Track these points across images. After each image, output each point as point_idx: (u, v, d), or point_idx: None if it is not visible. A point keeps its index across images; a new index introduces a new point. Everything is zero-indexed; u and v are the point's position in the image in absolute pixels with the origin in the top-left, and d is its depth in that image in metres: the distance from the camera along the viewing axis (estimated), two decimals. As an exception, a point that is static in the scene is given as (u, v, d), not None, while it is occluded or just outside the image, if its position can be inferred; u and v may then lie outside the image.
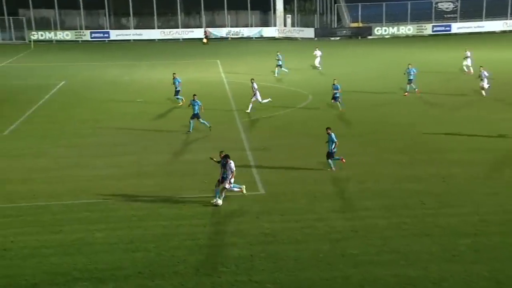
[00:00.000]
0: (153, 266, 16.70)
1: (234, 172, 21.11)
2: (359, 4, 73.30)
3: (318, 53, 49.88)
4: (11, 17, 73.74)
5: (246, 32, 75.69)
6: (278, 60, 46.73)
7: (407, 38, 72.64)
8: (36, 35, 72.24)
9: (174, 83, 36.41)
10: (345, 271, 16.37)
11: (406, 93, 37.92)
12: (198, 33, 74.72)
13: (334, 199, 21.49)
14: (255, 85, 34.20)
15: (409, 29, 73.56)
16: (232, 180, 21.09)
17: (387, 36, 73.48)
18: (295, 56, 58.87)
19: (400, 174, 23.85)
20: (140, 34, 74.32)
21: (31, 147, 28.14)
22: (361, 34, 73.54)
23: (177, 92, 36.26)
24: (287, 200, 21.44)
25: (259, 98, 34.09)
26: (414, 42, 68.15)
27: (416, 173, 23.95)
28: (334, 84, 34.08)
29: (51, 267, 16.58)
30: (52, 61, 58.17)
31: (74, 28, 74.54)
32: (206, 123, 30.11)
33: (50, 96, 40.15)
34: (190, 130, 30.10)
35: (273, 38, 74.68)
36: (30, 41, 70.44)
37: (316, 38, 73.21)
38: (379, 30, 73.59)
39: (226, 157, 21.17)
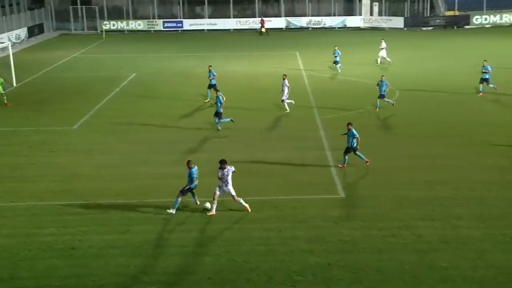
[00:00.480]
0: (224, 272, 16.86)
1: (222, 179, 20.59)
2: (456, -10, 71.31)
3: (384, 45, 48.86)
4: (83, 6, 76.36)
5: (328, 21, 75.19)
6: (335, 56, 45.58)
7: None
8: (108, 25, 74.42)
9: (209, 76, 36.42)
10: (433, 286, 16.01)
11: (481, 93, 36.63)
12: (276, 22, 74.85)
13: (422, 205, 21.02)
14: (286, 82, 33.70)
15: (513, 18, 70.98)
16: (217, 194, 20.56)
17: (487, 26, 71.11)
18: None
19: (498, 180, 23.07)
20: (214, 24, 75.19)
21: (99, 142, 29.01)
22: (458, 23, 71.44)
23: (210, 86, 36.27)
24: (369, 205, 21.18)
25: (285, 96, 33.67)
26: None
27: (516, 179, 23.13)
28: (381, 81, 33.30)
29: (118, 269, 17.05)
30: (123, 52, 59.80)
31: (147, 18, 76.30)
32: (226, 120, 30.46)
33: (120, 89, 41.27)
34: (219, 127, 30.54)
35: (358, 28, 73.84)
36: (101, 31, 72.67)
37: (405, 28, 71.87)
38: (479, 19, 71.26)
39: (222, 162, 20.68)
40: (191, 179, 20.63)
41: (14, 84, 42.40)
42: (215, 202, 20.50)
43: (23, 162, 25.99)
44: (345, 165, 24.77)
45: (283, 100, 33.65)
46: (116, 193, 22.49)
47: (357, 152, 24.58)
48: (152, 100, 37.31)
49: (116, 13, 76.91)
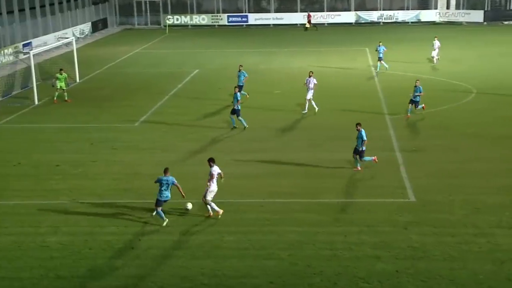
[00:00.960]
0: (286, 276, 16.92)
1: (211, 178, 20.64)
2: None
3: (437, 43, 47.16)
4: (147, 1, 77.79)
5: (401, 16, 74.23)
6: (378, 52, 44.46)
7: None
8: (171, 20, 75.56)
9: (238, 76, 36.17)
10: (510, 298, 15.65)
11: None
12: (345, 17, 74.44)
13: (499, 211, 20.57)
14: (315, 80, 33.20)
15: None
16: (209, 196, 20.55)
17: None
18: (457, 44, 56.92)
19: None
20: (281, 18, 75.32)
21: (161, 140, 29.52)
22: (544, 16, 69.35)
23: (240, 88, 36.08)
24: (441, 210, 20.88)
25: (310, 95, 33.20)
26: None
27: None
28: (416, 86, 31.90)
29: (178, 270, 17.34)
30: (186, 47, 60.62)
31: (211, 12, 77.12)
32: (243, 121, 30.48)
33: (182, 85, 41.88)
34: (234, 125, 30.76)
35: (433, 23, 72.60)
36: (165, 26, 73.86)
37: (485, 23, 70.22)
38: None
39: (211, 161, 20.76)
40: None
41: (77, 80, 43.62)
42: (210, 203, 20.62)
43: (85, 159, 26.71)
44: (359, 167, 24.59)
45: (309, 99, 33.28)
46: (177, 192, 22.78)
47: (354, 155, 24.62)
48: (215, 97, 37.70)
49: (180, 7, 78.03)
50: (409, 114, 31.97)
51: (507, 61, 47.62)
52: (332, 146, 27.97)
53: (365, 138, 24.30)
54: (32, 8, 60.88)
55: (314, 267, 17.31)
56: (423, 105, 32.20)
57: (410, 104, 32.02)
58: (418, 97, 31.83)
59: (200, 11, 77.89)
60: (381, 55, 44.20)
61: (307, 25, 70.39)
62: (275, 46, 59.48)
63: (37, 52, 44.43)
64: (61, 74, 37.13)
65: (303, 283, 16.58)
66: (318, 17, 74.56)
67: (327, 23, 74.44)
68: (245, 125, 30.49)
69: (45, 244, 18.93)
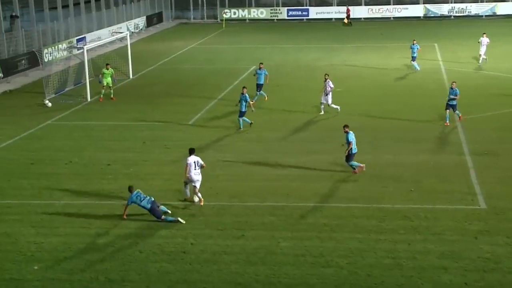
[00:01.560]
0: (345, 285, 16.82)
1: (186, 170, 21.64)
2: None
3: (484, 40, 45.14)
4: (205, -6, 78.55)
5: (474, 8, 72.85)
6: (412, 51, 43.35)
7: None
8: (228, 13, 76.03)
9: (255, 73, 35.87)
10: None
11: None
12: (413, 10, 73.51)
13: None
14: (331, 84, 32.47)
15: None
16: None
17: None
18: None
19: None
20: (342, 12, 74.86)
21: (215, 139, 29.70)
22: None
23: (259, 87, 35.76)
24: (515, 219, 20.44)
25: (329, 100, 32.59)
26: None
27: None
28: (451, 88, 30.59)
29: (231, 276, 17.42)
30: (243, 42, 60.89)
31: (270, 5, 77.25)
32: (246, 120, 30.61)
33: (238, 82, 42.05)
34: (241, 127, 30.80)
35: (510, 16, 70.91)
36: (221, 20, 74.40)
37: None
38: None
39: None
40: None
41: (130, 76, 44.32)
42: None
43: (136, 158, 27.10)
44: (356, 170, 24.65)
45: (326, 104, 32.79)
46: (231, 194, 22.97)
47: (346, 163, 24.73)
48: (272, 95, 37.68)
49: (238, 1, 78.37)
50: (447, 122, 30.70)
51: None
52: (396, 148, 27.69)
53: (350, 139, 24.25)
54: (87, 1, 62.05)
55: (375, 276, 17.15)
56: (459, 114, 30.94)
57: (447, 110, 30.69)
58: (454, 100, 30.39)
59: (258, 5, 78.12)
60: (415, 55, 43.24)
61: (345, 21, 69.85)
62: (337, 41, 59.18)
63: (91, 47, 45.36)
64: (107, 69, 37.55)
65: (363, 293, 16.48)
66: (384, 11, 73.86)
67: (393, 17, 73.69)
68: (241, 126, 30.66)
69: (96, 246, 19.28)
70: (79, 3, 60.23)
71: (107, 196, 23.17)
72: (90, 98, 37.94)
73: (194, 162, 21.89)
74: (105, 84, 37.47)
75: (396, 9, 74.26)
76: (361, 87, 39.62)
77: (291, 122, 32.12)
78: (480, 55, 45.25)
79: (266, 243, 19.14)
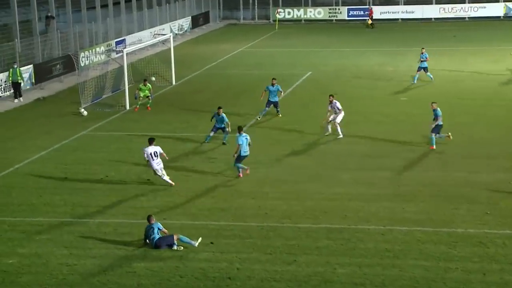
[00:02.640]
0: (409, 319, 16.63)
1: None
2: None
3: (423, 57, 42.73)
4: (256, -8, 79.09)
5: None
6: (421, 61, 41.93)
7: None
8: (282, 13, 76.29)
9: (270, 91, 35.10)
10: None
11: None
12: (492, 9, 72.59)
13: None
14: (339, 105, 31.31)
15: None
16: None
17: None
18: None
19: None
20: (411, 12, 74.54)
21: (264, 153, 29.60)
22: None
23: (271, 104, 35.10)
24: None
25: (339, 118, 31.40)
26: None
27: None
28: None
29: (280, 306, 17.36)
30: (298, 45, 61.00)
31: (329, 4, 77.29)
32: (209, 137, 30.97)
33: (292, 90, 42.12)
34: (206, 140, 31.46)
35: None
36: (274, 21, 74.71)
37: None
38: None
39: None
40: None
41: (173, 82, 44.74)
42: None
43: (178, 173, 27.26)
44: (240, 173, 26.30)
45: (333, 122, 31.63)
46: (281, 214, 22.95)
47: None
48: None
49: (292, 0, 78.60)
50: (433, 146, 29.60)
51: None
52: (468, 165, 27.36)
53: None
54: (128, 1, 62.85)
55: (443, 310, 16.96)
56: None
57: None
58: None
59: (315, 4, 78.26)
60: (424, 65, 41.89)
61: (369, 22, 69.48)
62: (403, 45, 58.84)
63: (131, 51, 45.98)
64: (145, 86, 37.89)
65: (429, 328, 16.28)
66: (458, 10, 73.12)
67: (469, 17, 73.02)
68: (225, 141, 30.96)
69: (133, 269, 19.40)
70: (119, 3, 61.05)
71: (145, 214, 23.28)
72: (129, 106, 38.42)
73: (152, 153, 25.14)
74: (141, 96, 37.83)
75: (472, 8, 73.47)
76: (429, 95, 39.17)
77: (347, 134, 31.91)
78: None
79: (321, 270, 19.04)
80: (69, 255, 20.34)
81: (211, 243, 20.82)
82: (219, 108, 31.19)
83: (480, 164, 27.50)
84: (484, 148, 29.51)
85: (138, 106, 38.18)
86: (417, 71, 42.38)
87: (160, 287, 18.46)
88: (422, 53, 42.03)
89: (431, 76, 42.42)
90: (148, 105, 38.24)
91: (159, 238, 20.61)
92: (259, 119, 34.23)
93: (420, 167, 27.31)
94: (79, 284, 18.70)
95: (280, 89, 35.78)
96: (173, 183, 25.58)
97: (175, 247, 20.47)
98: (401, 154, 29.03)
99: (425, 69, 42.12)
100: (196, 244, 20.49)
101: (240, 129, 26.50)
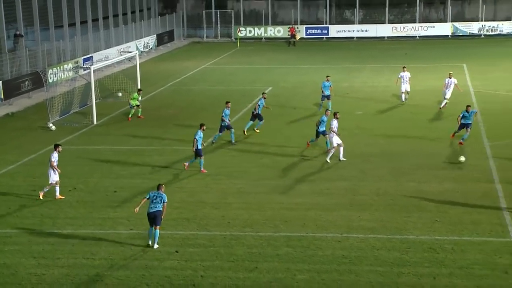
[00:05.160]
0: (364, 322, 16.79)
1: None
2: None
3: (405, 76, 41.71)
4: (218, 11, 79.09)
5: (505, 27, 73.02)
6: (323, 89, 39.58)
7: None
8: (243, 32, 76.55)
9: (259, 105, 35.09)
10: None
11: None
12: (440, 29, 73.74)
13: None
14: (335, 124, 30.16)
15: None
16: None
17: None
18: None
19: None
20: (366, 30, 75.29)
21: (228, 165, 29.84)
22: None
23: (255, 117, 35.06)
24: (549, 252, 20.35)
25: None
26: None
27: None
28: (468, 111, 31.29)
29: (242, 311, 17.44)
30: (259, 62, 61.25)
31: (288, 23, 77.65)
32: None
33: (252, 105, 42.16)
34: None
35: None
36: (236, 39, 74.94)
37: None
38: None
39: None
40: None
41: (139, 98, 44.53)
42: None
43: (145, 185, 27.19)
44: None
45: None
46: (243, 223, 23.06)
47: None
48: (288, 119, 37.89)
49: (253, 18, 79.07)
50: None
51: None
52: (419, 176, 27.68)
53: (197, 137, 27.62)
54: (95, 20, 62.63)
55: (396, 313, 17.14)
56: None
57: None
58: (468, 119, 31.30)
59: (275, 23, 78.64)
60: (327, 93, 39.49)
61: (295, 38, 70.53)
62: (358, 62, 59.43)
63: (97, 67, 45.77)
64: (139, 94, 39.55)
65: (383, 331, 16.45)
66: (409, 29, 74.11)
67: (419, 36, 73.89)
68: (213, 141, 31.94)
69: (100, 278, 19.33)
70: (86, 21, 60.84)
71: (112, 225, 23.30)
72: (97, 121, 38.27)
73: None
74: (133, 105, 38.87)
75: (422, 28, 74.56)
76: (382, 110, 39.70)
77: (308, 147, 32.16)
78: (405, 91, 41.79)
79: (281, 276, 19.14)
80: (38, 265, 20.20)
81: (176, 251, 20.88)
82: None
83: (429, 175, 27.84)
84: (434, 158, 29.91)
85: (130, 116, 38.71)
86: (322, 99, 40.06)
87: (127, 294, 18.46)
88: (326, 81, 39.90)
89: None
90: (139, 115, 39.04)
91: (159, 211, 21.08)
92: (213, 142, 33.49)
93: (375, 178, 27.60)
94: (48, 292, 18.64)
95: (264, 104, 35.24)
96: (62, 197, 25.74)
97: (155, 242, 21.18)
98: (357, 165, 29.31)
99: (324, 97, 39.85)
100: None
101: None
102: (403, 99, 41.57)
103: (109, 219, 23.79)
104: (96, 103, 39.31)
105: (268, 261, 20.14)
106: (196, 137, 28.49)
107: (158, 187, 21.69)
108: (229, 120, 33.10)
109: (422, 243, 21.12)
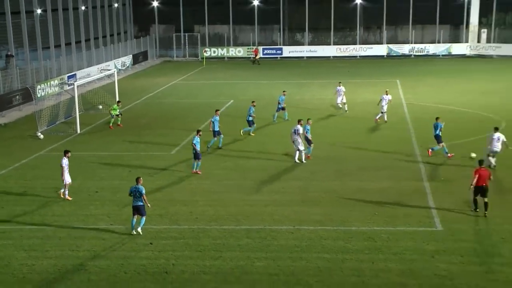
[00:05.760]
0: (314, 302, 16.91)
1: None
2: None
3: (340, 90, 42.17)
4: (186, 34, 78.91)
5: (432, 49, 74.11)
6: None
7: None
8: (208, 52, 76.47)
9: (249, 112, 35.92)
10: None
11: None
12: (377, 50, 74.57)
13: (526, 242, 20.30)
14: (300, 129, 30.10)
15: None
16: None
17: None
18: (488, 77, 56.59)
19: None
20: (314, 51, 75.73)
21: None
22: None
23: (249, 123, 35.76)
24: (468, 239, 20.73)
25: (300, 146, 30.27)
26: None
27: None
28: (436, 123, 30.42)
29: (208, 294, 17.44)
30: (222, 78, 61.22)
31: (247, 44, 77.82)
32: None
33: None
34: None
35: (463, 56, 72.29)
36: (202, 58, 74.82)
37: (516, 56, 69.65)
38: None
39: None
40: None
41: (118, 109, 44.25)
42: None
43: (123, 186, 26.95)
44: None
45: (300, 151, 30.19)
46: (209, 218, 23.07)
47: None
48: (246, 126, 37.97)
49: (217, 40, 79.02)
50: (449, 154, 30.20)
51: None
52: (360, 176, 27.94)
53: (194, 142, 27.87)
54: (78, 42, 62.17)
55: (341, 293, 17.29)
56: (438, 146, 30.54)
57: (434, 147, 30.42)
58: (439, 132, 30.15)
59: (236, 44, 78.72)
60: (282, 105, 39.90)
61: (254, 58, 71.11)
62: (308, 78, 59.76)
63: (80, 84, 45.33)
64: (118, 105, 39.63)
65: (330, 309, 16.58)
66: (351, 50, 74.80)
67: (359, 56, 74.57)
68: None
69: (84, 267, 19.22)
70: (70, 43, 60.29)
71: (94, 221, 23.13)
72: (80, 130, 37.91)
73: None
74: (114, 115, 38.99)
75: (362, 48, 75.24)
76: (328, 119, 40.02)
77: (263, 151, 32.26)
78: (341, 103, 42.41)
79: (242, 263, 19.22)
80: (28, 257, 20.01)
81: (151, 243, 20.81)
82: (217, 110, 31.93)
83: (368, 175, 28.06)
84: (373, 162, 30.20)
85: (111, 125, 38.61)
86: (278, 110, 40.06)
87: (107, 282, 18.32)
88: (283, 95, 40.19)
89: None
90: (119, 123, 38.89)
91: (142, 205, 21.48)
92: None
93: (323, 178, 27.77)
94: (38, 281, 18.45)
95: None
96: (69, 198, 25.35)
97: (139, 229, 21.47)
98: (308, 167, 29.47)
99: (279, 108, 40.16)
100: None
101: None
102: (340, 108, 42.43)
103: (91, 216, 23.60)
104: (79, 114, 38.96)
105: (231, 250, 20.20)
106: (194, 142, 28.49)
107: (137, 180, 21.93)
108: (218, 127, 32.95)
109: (362, 233, 21.33)
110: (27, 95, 46.78)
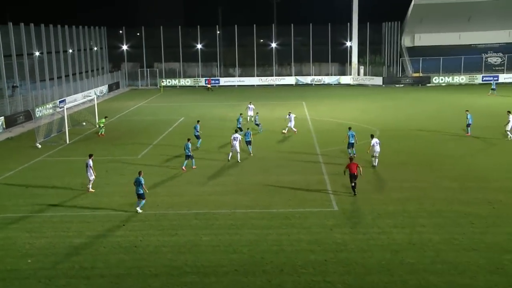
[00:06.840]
0: (246, 265, 16.80)
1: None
2: (420, 58, 71.73)
3: (251, 107, 41.94)
4: (148, 69, 77.60)
5: (326, 79, 75.40)
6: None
7: (460, 86, 69.61)
8: (165, 82, 75.33)
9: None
10: (403, 277, 15.80)
11: (468, 134, 35.62)
12: (288, 80, 75.28)
13: (395, 216, 20.79)
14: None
15: (462, 79, 70.23)
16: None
17: (443, 84, 70.67)
18: (365, 99, 58.06)
19: (452, 198, 22.74)
20: (243, 81, 75.74)
21: (157, 167, 29.15)
22: (421, 82, 71.09)
23: (197, 137, 34.03)
24: (355, 216, 21.02)
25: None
26: (466, 89, 65.17)
27: (466, 197, 22.74)
28: (350, 130, 29.65)
29: (168, 262, 17.09)
30: (175, 101, 60.36)
31: (193, 76, 77.13)
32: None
33: (172, 129, 41.63)
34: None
35: (348, 85, 73.95)
36: (160, 87, 73.59)
37: (383, 85, 71.72)
38: (437, 79, 70.88)
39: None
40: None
41: (97, 126, 42.96)
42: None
43: (102, 182, 26.22)
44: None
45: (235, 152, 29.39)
46: (167, 205, 22.61)
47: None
48: (194, 138, 37.42)
49: (171, 73, 78.00)
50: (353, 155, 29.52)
51: (398, 111, 48.64)
52: (278, 171, 27.96)
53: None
54: (67, 75, 60.31)
55: (266, 258, 17.25)
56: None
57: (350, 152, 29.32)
58: (353, 140, 29.46)
59: (185, 76, 77.93)
60: (257, 123, 38.26)
61: (209, 86, 71.37)
62: (238, 100, 59.62)
63: (69, 106, 43.82)
64: (104, 119, 39.39)
65: (258, 270, 16.49)
66: (270, 80, 75.22)
67: (276, 84, 75.03)
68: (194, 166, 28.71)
69: (72, 244, 18.55)
70: (61, 76, 58.44)
71: (80, 208, 22.28)
72: (69, 141, 36.53)
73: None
74: (100, 126, 38.44)
75: (277, 79, 75.75)
76: (254, 131, 40.03)
77: (207, 155, 31.90)
78: (249, 115, 42.12)
79: (192, 238, 18.92)
80: (30, 237, 19.22)
81: (123, 225, 20.20)
82: (188, 138, 29.44)
83: (284, 170, 27.99)
84: (286, 161, 30.33)
85: (99, 134, 38.07)
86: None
87: (90, 254, 17.74)
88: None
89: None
90: (103, 133, 38.17)
91: (142, 193, 21.35)
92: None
93: (250, 173, 27.60)
94: (37, 255, 17.72)
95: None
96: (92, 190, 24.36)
97: (138, 208, 21.36)
98: (239, 165, 29.31)
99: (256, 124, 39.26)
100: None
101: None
102: (250, 120, 41.81)
103: (78, 205, 22.73)
104: (68, 129, 37.54)
105: (184, 229, 19.85)
106: (185, 146, 28.18)
107: (139, 173, 21.74)
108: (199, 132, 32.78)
109: (281, 214, 21.32)
110: (28, 116, 45.02)
